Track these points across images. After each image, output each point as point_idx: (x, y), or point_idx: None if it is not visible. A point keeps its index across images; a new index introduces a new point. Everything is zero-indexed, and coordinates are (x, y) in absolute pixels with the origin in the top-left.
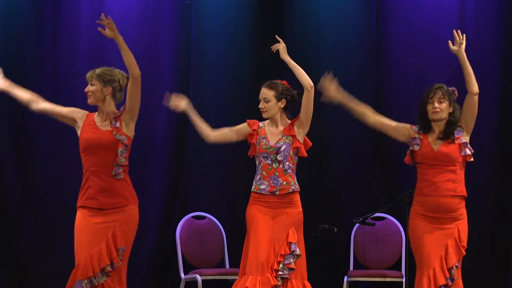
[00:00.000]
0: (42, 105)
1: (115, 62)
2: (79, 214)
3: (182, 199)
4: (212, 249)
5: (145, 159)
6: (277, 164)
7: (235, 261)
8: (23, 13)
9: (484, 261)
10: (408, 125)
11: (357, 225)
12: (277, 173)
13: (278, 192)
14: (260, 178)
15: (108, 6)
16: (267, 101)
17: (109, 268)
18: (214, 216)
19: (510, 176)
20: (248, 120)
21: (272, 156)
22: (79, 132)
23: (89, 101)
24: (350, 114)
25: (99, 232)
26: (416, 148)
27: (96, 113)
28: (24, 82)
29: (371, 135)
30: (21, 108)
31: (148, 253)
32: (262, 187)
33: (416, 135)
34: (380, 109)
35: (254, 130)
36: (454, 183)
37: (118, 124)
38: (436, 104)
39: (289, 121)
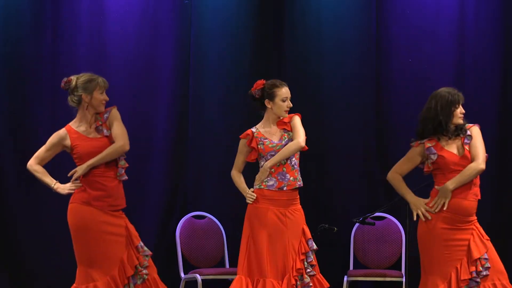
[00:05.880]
0: (40, 166)
1: (114, 61)
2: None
3: (182, 199)
4: (212, 249)
5: (145, 158)
6: (285, 160)
7: (235, 261)
8: (23, 13)
9: None
10: (416, 148)
11: (357, 224)
12: (285, 169)
13: (286, 187)
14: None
15: (108, 6)
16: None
17: None
18: (214, 216)
19: (510, 176)
20: (240, 136)
21: None
22: (70, 149)
23: (103, 109)
24: (350, 114)
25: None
26: (434, 157)
27: (73, 122)
28: (24, 82)
29: (371, 135)
30: (21, 107)
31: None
32: (270, 183)
33: (429, 144)
34: (380, 109)
35: (248, 135)
36: (476, 186)
37: (106, 132)
38: (462, 109)
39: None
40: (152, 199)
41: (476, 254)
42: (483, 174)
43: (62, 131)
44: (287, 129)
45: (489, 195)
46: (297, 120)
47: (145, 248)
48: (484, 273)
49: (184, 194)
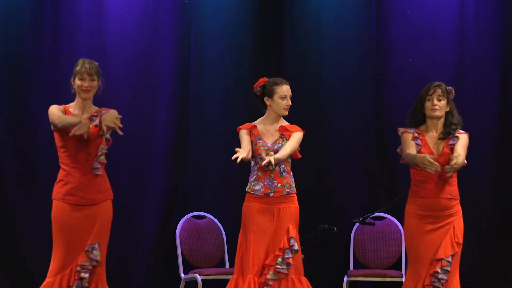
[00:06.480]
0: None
1: (114, 61)
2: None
3: (182, 199)
4: (212, 249)
5: (145, 158)
6: (273, 167)
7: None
8: (23, 13)
9: (484, 261)
10: (403, 134)
11: (357, 224)
12: (272, 175)
13: (272, 194)
14: (255, 178)
15: (108, 6)
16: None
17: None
18: (214, 216)
19: (510, 176)
20: (241, 127)
21: None
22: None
23: (87, 96)
24: (350, 114)
25: (81, 230)
26: (418, 148)
27: (71, 105)
28: (24, 82)
29: (371, 135)
30: (21, 107)
31: (148, 252)
32: (257, 187)
33: (416, 135)
34: (380, 109)
35: (251, 127)
36: (450, 186)
37: (98, 122)
38: (436, 101)
39: (284, 121)
40: (152, 199)
41: (440, 254)
42: (482, 174)
43: (60, 107)
44: (285, 136)
45: (489, 195)
46: (299, 136)
47: (95, 252)
48: (441, 276)
49: (184, 194)
